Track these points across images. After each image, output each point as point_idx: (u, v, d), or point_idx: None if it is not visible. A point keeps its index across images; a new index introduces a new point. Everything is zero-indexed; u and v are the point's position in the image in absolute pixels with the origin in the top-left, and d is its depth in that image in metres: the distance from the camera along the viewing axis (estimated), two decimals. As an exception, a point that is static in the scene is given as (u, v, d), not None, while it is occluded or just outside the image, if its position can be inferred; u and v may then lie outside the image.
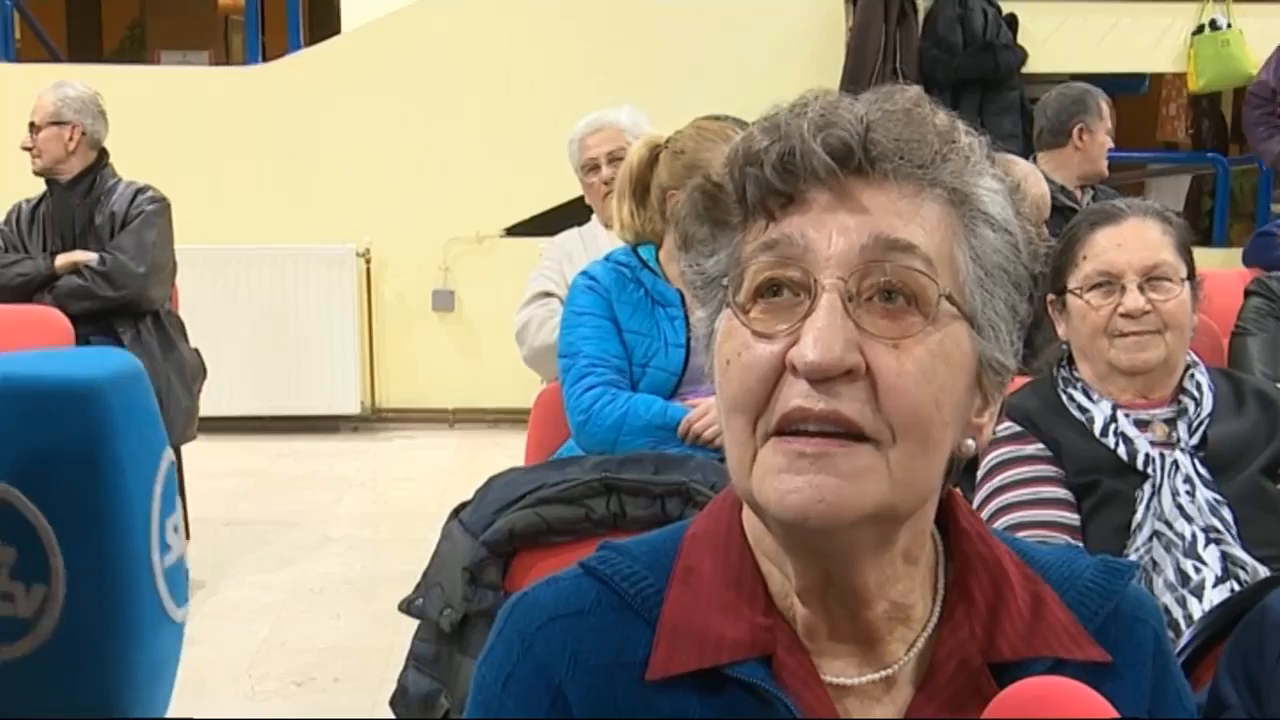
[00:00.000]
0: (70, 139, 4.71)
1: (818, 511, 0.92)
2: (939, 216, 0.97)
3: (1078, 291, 2.29)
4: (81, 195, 4.75)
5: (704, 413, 2.73)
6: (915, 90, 1.01)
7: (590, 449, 2.79)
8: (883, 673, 1.01)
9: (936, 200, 0.97)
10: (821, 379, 0.92)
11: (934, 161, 0.97)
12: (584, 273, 3.04)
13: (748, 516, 1.06)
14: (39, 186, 4.83)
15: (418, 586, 2.29)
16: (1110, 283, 2.26)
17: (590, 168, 3.95)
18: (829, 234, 0.95)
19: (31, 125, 4.73)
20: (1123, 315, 2.23)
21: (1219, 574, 2.07)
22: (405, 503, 5.62)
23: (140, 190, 4.76)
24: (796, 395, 0.93)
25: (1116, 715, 0.90)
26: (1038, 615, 1.03)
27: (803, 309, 0.94)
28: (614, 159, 3.88)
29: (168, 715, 0.68)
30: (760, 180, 0.97)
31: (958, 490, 1.09)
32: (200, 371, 4.94)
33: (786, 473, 0.93)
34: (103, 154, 4.81)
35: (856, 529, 0.94)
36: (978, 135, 1.02)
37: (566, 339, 2.94)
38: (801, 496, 0.92)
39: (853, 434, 0.93)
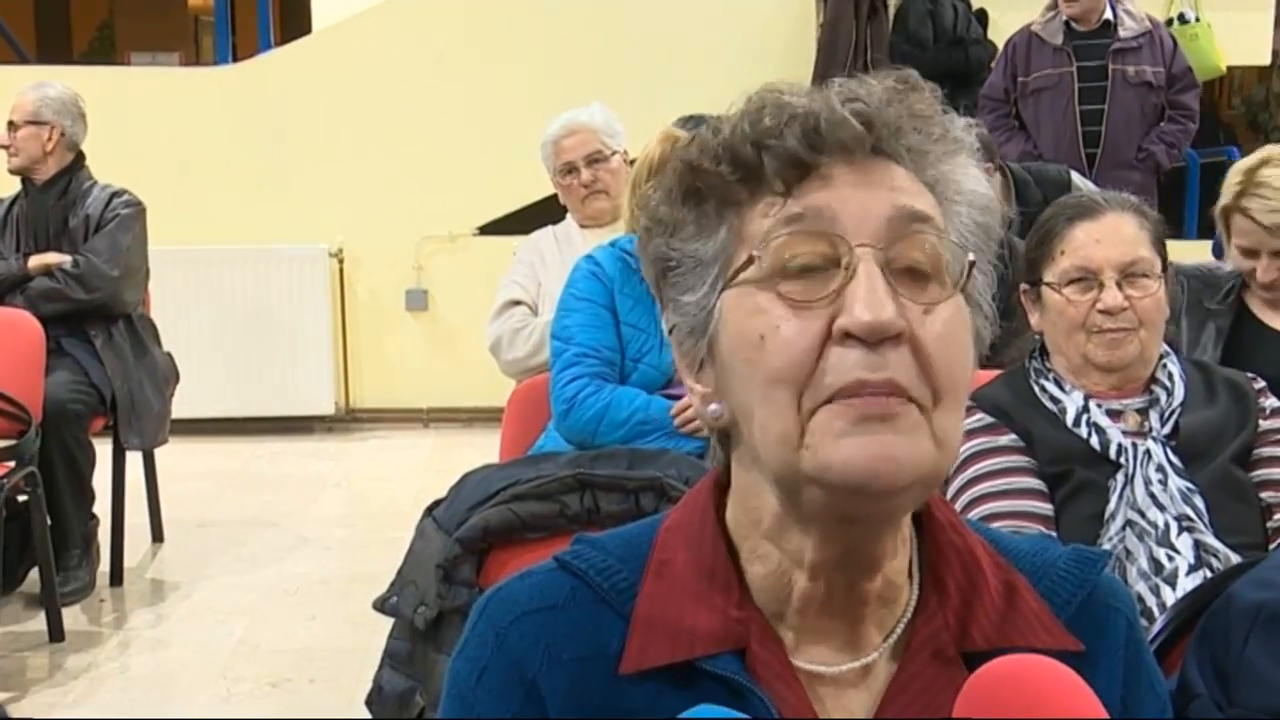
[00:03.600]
0: (48, 139, 4.69)
1: (887, 470, 0.93)
2: (933, 198, 1.00)
3: (1055, 286, 2.29)
4: (56, 197, 4.72)
5: None
6: (910, 74, 1.03)
7: (570, 437, 2.80)
8: (859, 661, 1.02)
9: (929, 180, 1.00)
10: (876, 340, 0.93)
11: (937, 141, 1.01)
12: (589, 257, 3.03)
13: (730, 507, 1.06)
14: (12, 187, 4.80)
15: (392, 584, 2.29)
16: (1088, 278, 2.26)
17: (567, 170, 3.95)
18: (855, 207, 0.97)
19: (10, 123, 4.70)
20: (1101, 311, 2.24)
21: (1192, 562, 2.08)
22: (380, 503, 5.60)
23: (116, 194, 4.74)
24: (853, 366, 0.93)
25: (1087, 689, 0.91)
26: (1010, 604, 1.04)
27: (834, 282, 0.95)
28: (592, 161, 3.89)
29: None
30: (782, 152, 0.98)
31: None
32: (172, 375, 4.92)
33: (851, 435, 0.93)
34: (79, 156, 4.79)
35: (905, 493, 0.95)
36: (958, 115, 1.05)
37: (561, 322, 2.94)
38: (869, 455, 0.92)
39: (906, 399, 0.94)
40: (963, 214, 1.02)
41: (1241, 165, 3.07)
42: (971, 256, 0.99)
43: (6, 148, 4.70)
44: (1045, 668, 0.93)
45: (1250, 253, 3.06)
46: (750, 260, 0.98)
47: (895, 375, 0.93)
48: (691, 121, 3.46)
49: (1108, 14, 5.66)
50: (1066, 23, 5.69)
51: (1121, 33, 5.64)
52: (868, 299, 0.93)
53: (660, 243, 1.05)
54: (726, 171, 1.00)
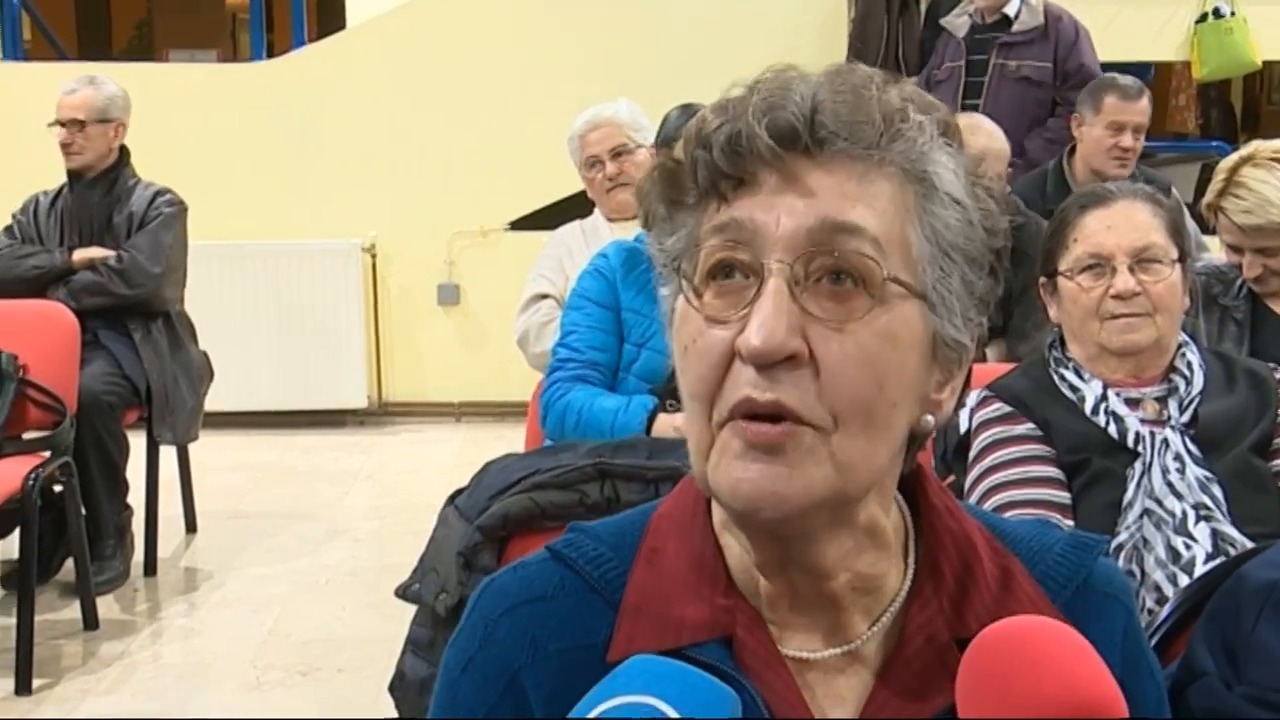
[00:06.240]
0: (114, 136, 4.75)
1: (769, 502, 0.94)
2: (889, 196, 0.96)
3: (1068, 274, 2.30)
4: (103, 193, 4.76)
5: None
6: (866, 69, 1.00)
7: (555, 438, 2.88)
8: (846, 647, 1.02)
9: (887, 179, 0.96)
10: (766, 365, 0.92)
11: (880, 143, 0.96)
12: (601, 253, 3.12)
13: None
14: (49, 183, 4.85)
15: (414, 571, 2.31)
16: (1100, 265, 2.26)
17: (592, 164, 3.97)
18: (777, 217, 0.95)
19: (75, 121, 4.69)
20: (1113, 297, 2.24)
21: (1209, 550, 2.08)
22: (411, 495, 5.62)
23: (159, 193, 4.79)
24: (744, 384, 0.93)
25: (1089, 646, 0.92)
26: (1006, 590, 1.03)
27: (752, 292, 0.95)
28: (616, 154, 3.91)
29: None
30: (709, 163, 0.97)
31: (930, 468, 1.09)
32: (207, 372, 4.96)
33: (740, 460, 0.94)
34: (124, 153, 4.84)
35: (808, 515, 0.95)
36: (933, 110, 1.00)
37: (563, 320, 3.06)
38: (752, 486, 0.94)
39: (797, 422, 0.93)
40: (935, 210, 0.98)
41: (1225, 163, 3.04)
42: (890, 272, 0.95)
43: (68, 145, 4.70)
44: (1048, 628, 0.94)
45: (1235, 249, 3.05)
46: (691, 265, 0.99)
47: (783, 397, 0.92)
48: (688, 111, 3.49)
49: (1010, 8, 5.55)
50: (974, 16, 5.64)
51: (1015, 27, 5.53)
52: (761, 322, 0.92)
53: (648, 235, 1.06)
54: (685, 171, 1.00)
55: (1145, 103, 4.65)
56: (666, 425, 2.84)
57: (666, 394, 2.88)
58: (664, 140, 3.71)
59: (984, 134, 3.90)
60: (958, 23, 5.71)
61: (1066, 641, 0.92)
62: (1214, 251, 3.82)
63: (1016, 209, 3.87)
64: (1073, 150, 4.76)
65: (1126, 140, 4.58)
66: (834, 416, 0.93)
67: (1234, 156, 3.03)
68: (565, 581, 1.06)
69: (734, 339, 0.94)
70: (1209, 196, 3.05)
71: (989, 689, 0.91)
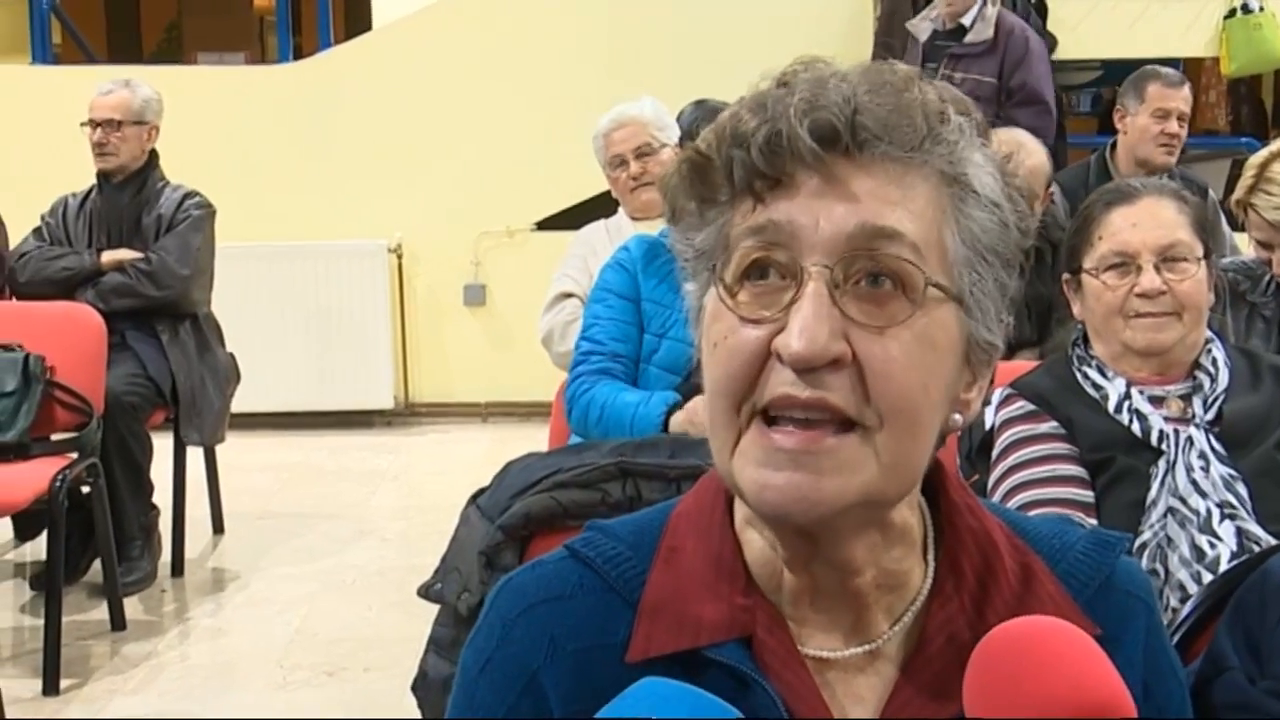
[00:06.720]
0: (148, 139, 4.78)
1: (798, 509, 0.93)
2: (927, 199, 0.96)
3: (1093, 271, 2.28)
4: (131, 195, 4.79)
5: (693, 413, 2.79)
6: (906, 69, 0.99)
7: (579, 433, 2.88)
8: (867, 646, 1.01)
9: (925, 181, 0.96)
10: (807, 369, 0.92)
11: (922, 145, 0.95)
12: (623, 246, 3.13)
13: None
14: (78, 185, 4.87)
15: (436, 571, 2.31)
16: (1126, 263, 2.25)
17: (617, 163, 3.97)
18: (816, 220, 0.94)
19: (110, 122, 4.71)
20: (1139, 295, 2.22)
21: (1234, 549, 2.06)
22: (438, 496, 5.62)
23: (188, 195, 4.82)
24: (783, 383, 0.93)
25: (1098, 648, 0.91)
26: (1027, 588, 1.03)
27: (789, 294, 0.94)
28: (640, 154, 3.91)
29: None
30: (747, 163, 0.95)
31: (954, 466, 1.08)
32: (234, 375, 4.98)
33: (765, 467, 0.93)
34: (153, 156, 4.86)
35: (840, 515, 0.94)
36: (971, 111, 1.00)
37: (585, 314, 3.08)
38: (778, 494, 0.93)
39: (839, 420, 0.93)
40: (971, 213, 0.98)
41: (1255, 159, 3.02)
42: (931, 276, 0.94)
43: (102, 145, 4.72)
44: (1056, 629, 0.93)
45: (1265, 245, 3.03)
46: (724, 263, 0.98)
47: (829, 396, 0.92)
48: (702, 106, 3.49)
49: (968, 18, 5.49)
50: (935, 23, 5.60)
51: (966, 38, 5.46)
52: (803, 327, 0.92)
53: (673, 230, 1.05)
54: (716, 167, 0.98)
55: (1187, 91, 4.71)
56: (681, 421, 2.84)
57: (689, 393, 2.87)
58: (680, 135, 3.72)
59: (1020, 148, 3.86)
60: (921, 27, 5.67)
61: (1075, 642, 0.92)
62: (1244, 249, 3.80)
63: (1058, 225, 3.85)
64: (1114, 145, 4.76)
65: (1173, 126, 4.61)
66: (880, 416, 0.93)
67: (1264, 152, 3.01)
68: (584, 580, 1.05)
69: (769, 339, 0.94)
70: (1239, 193, 3.03)
71: (997, 690, 0.91)
